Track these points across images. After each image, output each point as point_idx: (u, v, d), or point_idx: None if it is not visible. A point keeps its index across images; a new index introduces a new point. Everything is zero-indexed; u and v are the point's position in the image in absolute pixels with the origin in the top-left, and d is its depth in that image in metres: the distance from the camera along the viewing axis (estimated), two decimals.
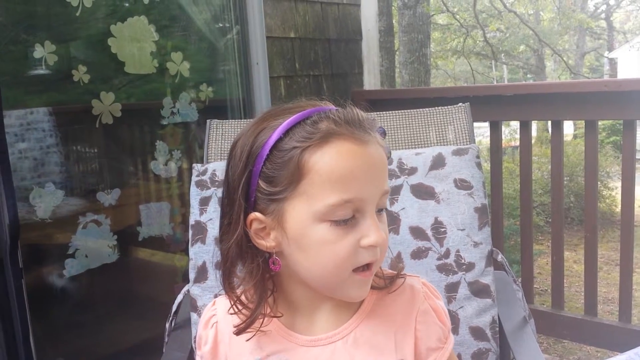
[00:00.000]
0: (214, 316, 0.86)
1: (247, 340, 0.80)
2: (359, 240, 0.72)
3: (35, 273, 1.92)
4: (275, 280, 0.80)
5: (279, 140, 0.72)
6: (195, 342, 0.92)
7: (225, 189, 0.79)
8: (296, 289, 0.79)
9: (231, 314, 0.81)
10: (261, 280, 0.77)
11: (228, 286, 0.80)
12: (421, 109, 1.49)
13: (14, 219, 1.60)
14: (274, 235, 0.75)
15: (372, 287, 0.79)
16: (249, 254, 0.76)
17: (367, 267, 0.74)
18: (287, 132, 0.72)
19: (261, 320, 0.78)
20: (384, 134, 0.78)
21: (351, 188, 0.70)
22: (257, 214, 0.74)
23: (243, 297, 0.80)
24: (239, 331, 0.79)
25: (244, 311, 0.80)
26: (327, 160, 0.70)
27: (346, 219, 0.71)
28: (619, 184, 2.43)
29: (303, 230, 0.72)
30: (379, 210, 0.75)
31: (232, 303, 0.80)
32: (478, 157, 1.33)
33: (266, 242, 0.75)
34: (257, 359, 0.80)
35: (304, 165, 0.70)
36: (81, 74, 2.01)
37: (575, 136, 10.57)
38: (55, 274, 1.98)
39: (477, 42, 14.85)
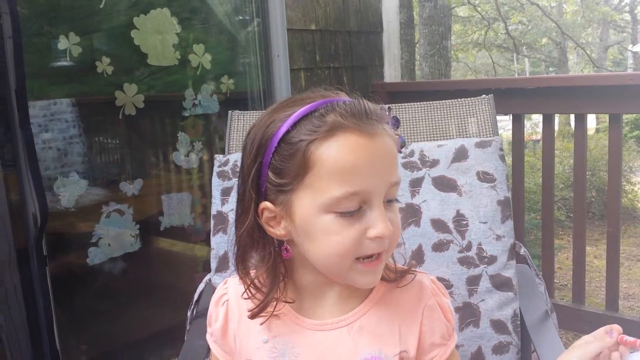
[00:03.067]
0: (225, 295, 0.88)
1: (261, 324, 0.82)
2: (365, 231, 0.73)
3: (58, 261, 1.95)
4: (286, 266, 0.82)
5: (287, 132, 0.73)
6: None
7: (239, 179, 0.81)
8: (307, 275, 0.81)
9: (245, 298, 0.83)
10: (273, 266, 0.79)
11: (242, 271, 0.83)
12: (443, 101, 1.48)
13: (43, 208, 1.62)
14: (284, 225, 0.76)
15: (382, 279, 0.81)
16: (261, 242, 0.79)
17: (373, 256, 0.75)
18: (294, 124, 0.73)
19: (274, 304, 0.80)
20: (397, 123, 0.79)
21: (356, 181, 0.71)
22: (267, 204, 0.76)
23: (256, 282, 0.82)
24: (253, 315, 0.81)
25: (257, 295, 0.82)
26: (332, 153, 0.71)
27: (352, 211, 0.72)
28: None
29: (309, 220, 0.73)
30: (389, 201, 0.76)
31: (246, 287, 0.82)
32: (501, 149, 1.32)
33: (277, 231, 0.77)
34: (264, 339, 0.82)
35: (309, 158, 0.71)
36: (105, 65, 2.03)
37: (597, 130, 10.42)
38: (79, 263, 2.01)
39: (499, 34, 14.69)
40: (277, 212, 0.76)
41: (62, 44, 1.93)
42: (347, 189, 0.71)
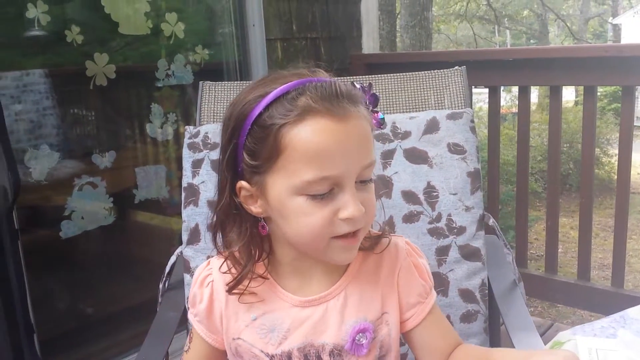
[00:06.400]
0: (209, 275, 0.89)
1: (239, 300, 0.84)
2: (336, 212, 0.74)
3: (31, 235, 1.92)
4: (269, 243, 0.84)
5: (260, 114, 0.74)
6: (188, 301, 0.95)
7: (220, 155, 0.82)
8: (287, 252, 0.83)
9: (223, 272, 0.85)
10: (249, 243, 0.81)
11: (219, 246, 0.85)
12: (417, 72, 1.47)
13: (15, 181, 1.60)
14: (260, 203, 0.78)
15: (360, 249, 0.82)
16: (237, 219, 0.81)
17: (349, 234, 0.76)
18: (267, 107, 0.74)
19: (248, 281, 0.82)
20: (376, 101, 0.79)
21: (327, 165, 0.72)
22: (243, 183, 0.78)
23: (236, 255, 0.84)
24: (229, 289, 0.83)
25: (235, 269, 0.84)
26: (302, 138, 0.71)
27: (323, 194, 0.73)
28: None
29: (282, 201, 0.75)
30: (362, 182, 0.76)
31: (223, 261, 0.85)
32: (472, 121, 1.32)
33: (254, 208, 0.79)
34: (253, 317, 0.84)
35: (280, 142, 0.72)
36: (74, 34, 1.99)
37: (576, 103, 10.49)
38: (52, 236, 1.99)
39: (481, 5, 14.64)
40: (253, 191, 0.78)
41: (31, 12, 1.87)
42: (317, 173, 0.72)
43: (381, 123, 0.80)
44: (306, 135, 0.71)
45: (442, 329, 0.88)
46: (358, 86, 0.78)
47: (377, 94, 0.81)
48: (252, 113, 0.74)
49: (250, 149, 0.75)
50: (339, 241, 0.76)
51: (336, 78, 0.77)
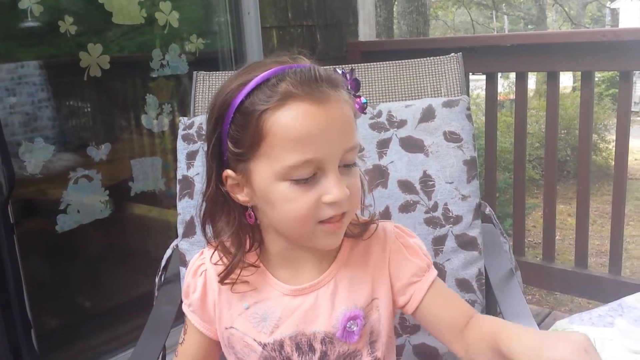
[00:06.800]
0: (202, 265, 0.90)
1: (231, 289, 0.85)
2: (320, 196, 0.74)
3: (27, 229, 1.92)
4: (259, 232, 0.84)
5: (242, 102, 0.75)
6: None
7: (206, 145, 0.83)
8: (276, 241, 0.84)
9: (214, 263, 0.86)
10: (238, 232, 0.82)
11: (208, 236, 0.86)
12: (413, 60, 1.46)
13: (10, 175, 1.59)
14: (247, 191, 0.79)
15: (347, 235, 0.84)
16: (225, 207, 0.82)
17: (334, 218, 0.76)
18: (248, 94, 0.74)
19: (240, 270, 0.83)
20: (357, 86, 0.80)
21: (309, 149, 0.72)
22: (229, 172, 0.79)
23: (226, 244, 0.85)
24: (221, 279, 0.84)
25: (226, 259, 0.84)
26: (283, 122, 0.72)
27: (306, 178, 0.74)
28: None
29: (267, 187, 0.75)
30: (347, 166, 0.77)
31: (214, 251, 0.86)
32: (468, 108, 1.31)
33: (241, 197, 0.80)
34: (246, 305, 0.85)
35: (262, 128, 0.73)
36: (68, 25, 1.96)
37: (574, 89, 10.48)
38: (48, 230, 1.98)
39: None
40: (239, 179, 0.78)
41: (24, 2, 1.85)
42: (300, 157, 0.72)
43: (364, 107, 0.80)
44: (287, 120, 0.72)
45: (449, 302, 0.87)
46: (340, 71, 0.78)
47: (359, 78, 0.81)
48: (234, 101, 0.75)
49: (233, 136, 0.75)
50: (324, 226, 0.76)
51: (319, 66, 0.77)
